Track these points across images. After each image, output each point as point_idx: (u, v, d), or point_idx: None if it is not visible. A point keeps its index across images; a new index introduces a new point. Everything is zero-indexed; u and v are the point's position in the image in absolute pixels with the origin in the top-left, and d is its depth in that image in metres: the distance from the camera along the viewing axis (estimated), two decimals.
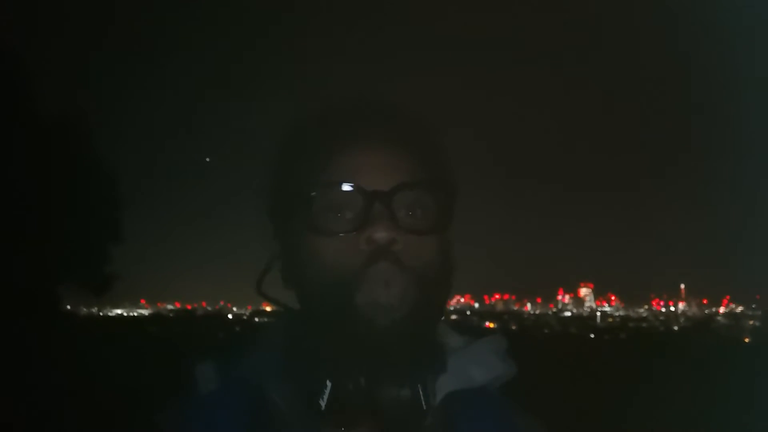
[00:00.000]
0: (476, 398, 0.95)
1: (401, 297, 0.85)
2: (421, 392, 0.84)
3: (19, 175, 15.38)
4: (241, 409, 0.91)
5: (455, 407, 0.93)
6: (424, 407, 0.84)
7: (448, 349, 0.96)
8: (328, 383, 0.84)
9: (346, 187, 0.89)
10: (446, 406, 0.92)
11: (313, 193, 0.90)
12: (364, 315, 0.85)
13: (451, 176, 0.98)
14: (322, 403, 0.84)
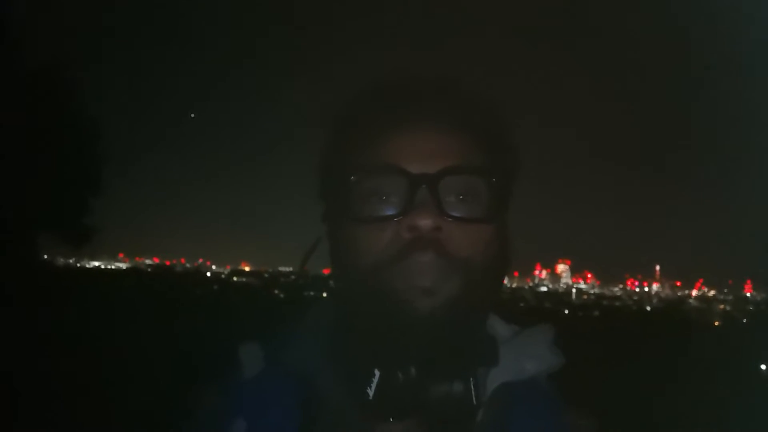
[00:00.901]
0: (528, 390, 0.93)
1: (444, 287, 0.82)
2: (471, 385, 0.81)
3: (1, 124, 15.13)
4: (287, 394, 0.90)
5: (507, 399, 0.91)
6: (474, 400, 0.82)
7: (498, 340, 0.91)
8: (377, 372, 0.81)
9: (391, 170, 0.85)
10: (498, 398, 0.90)
11: (353, 177, 0.86)
12: (407, 302, 0.82)
13: (508, 162, 0.93)
14: (370, 392, 0.81)
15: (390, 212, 0.84)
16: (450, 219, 0.84)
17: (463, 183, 0.86)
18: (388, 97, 0.91)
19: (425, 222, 0.82)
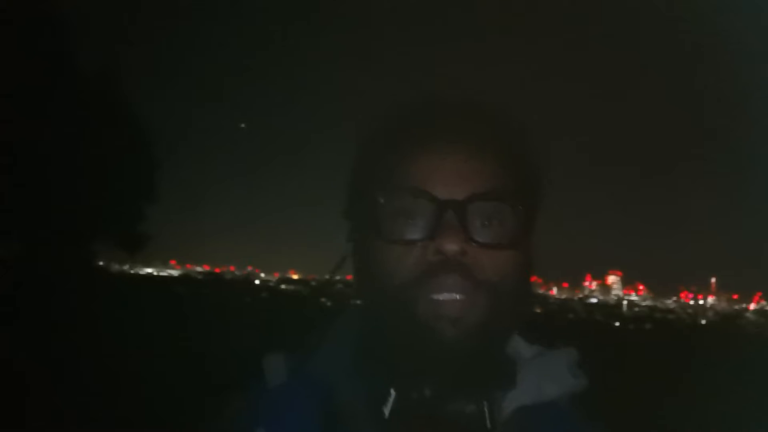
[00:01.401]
0: (547, 413, 0.92)
1: (467, 311, 0.83)
2: (486, 409, 0.82)
3: (58, 134, 15.64)
4: (306, 406, 0.90)
5: (525, 422, 0.90)
6: (489, 424, 0.82)
7: (518, 362, 0.93)
8: (392, 392, 0.83)
9: (419, 193, 0.85)
10: (515, 421, 0.89)
11: (382, 199, 0.87)
12: (429, 326, 0.82)
13: (534, 190, 0.93)
14: (386, 411, 0.82)
15: (417, 235, 0.85)
16: (475, 244, 0.84)
17: (489, 209, 0.86)
18: (419, 122, 0.92)
19: (451, 246, 0.83)
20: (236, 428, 0.91)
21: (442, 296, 0.82)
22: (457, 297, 0.82)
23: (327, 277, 1.02)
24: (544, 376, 0.93)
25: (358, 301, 0.95)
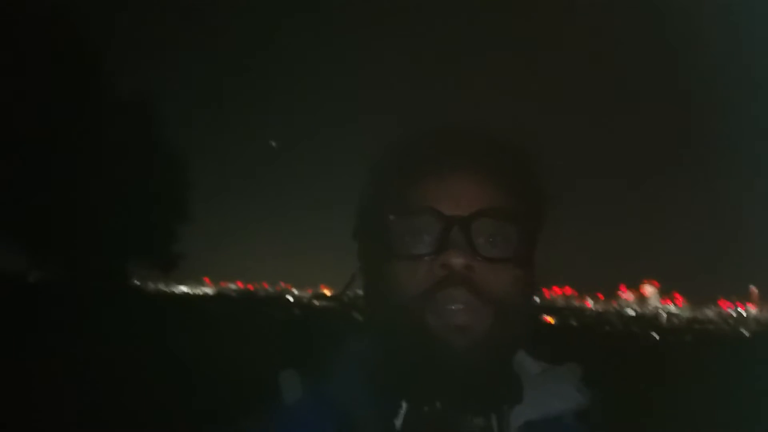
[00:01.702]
0: (553, 429, 0.94)
1: (475, 322, 0.86)
2: (494, 421, 0.86)
3: (92, 157, 15.96)
4: (318, 422, 0.92)
5: None
6: None
7: (524, 378, 0.96)
8: (404, 404, 0.86)
9: (425, 211, 0.89)
10: None
11: (392, 217, 0.91)
12: (437, 339, 0.85)
13: (540, 206, 0.97)
14: (397, 424, 0.85)
15: (424, 251, 0.89)
16: (481, 259, 0.88)
17: (494, 225, 0.90)
18: (428, 145, 0.96)
19: (457, 261, 0.86)
20: None
21: (450, 308, 0.86)
22: (464, 308, 0.86)
23: (338, 294, 1.06)
24: (551, 392, 0.96)
25: (369, 317, 0.98)
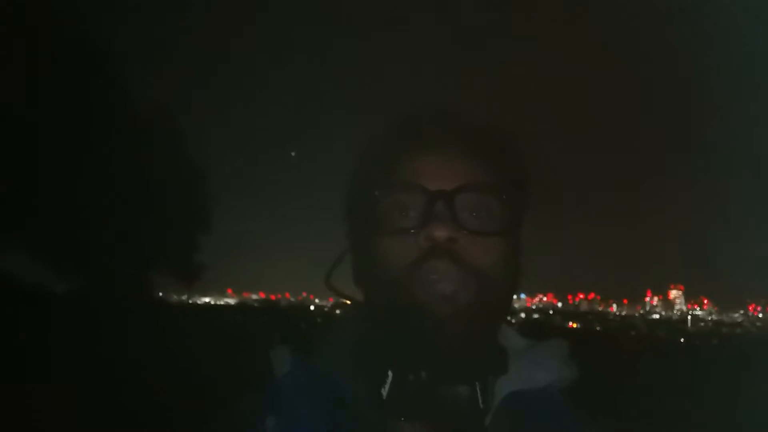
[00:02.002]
0: (538, 399, 0.96)
1: (458, 293, 0.88)
2: (478, 389, 0.87)
3: (114, 170, 16.14)
4: (310, 396, 0.94)
5: (517, 407, 0.94)
6: (481, 405, 0.87)
7: (511, 351, 0.98)
8: (390, 373, 0.87)
9: (410, 186, 0.92)
10: (508, 406, 0.94)
11: (377, 192, 0.94)
12: (422, 309, 0.87)
13: (520, 180, 0.99)
14: (384, 393, 0.87)
15: (409, 224, 0.92)
16: (465, 231, 0.90)
17: (476, 199, 0.93)
18: (409, 122, 1.00)
19: (441, 233, 0.89)
20: (247, 417, 0.95)
21: (434, 278, 0.88)
22: (448, 279, 0.88)
23: (327, 272, 1.06)
24: (537, 364, 0.99)
25: (357, 290, 1.01)
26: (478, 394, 0.87)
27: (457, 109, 1.02)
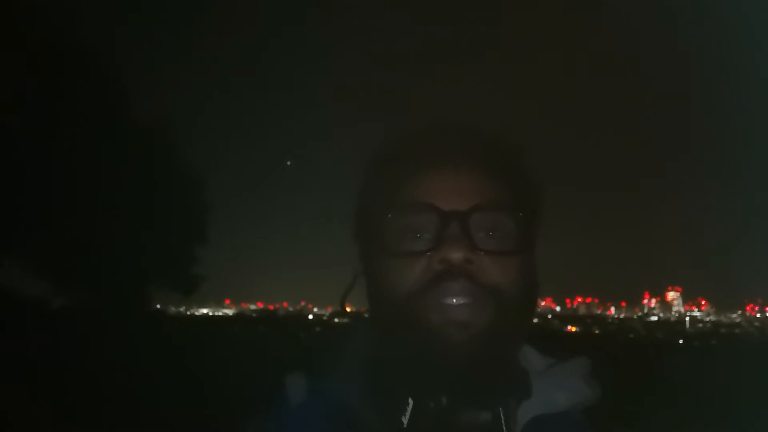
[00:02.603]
0: (560, 424, 0.93)
1: (475, 315, 0.85)
2: (502, 416, 0.84)
3: (110, 180, 16.11)
4: (325, 423, 0.92)
5: (540, 431, 0.91)
6: (505, 430, 0.84)
7: (531, 373, 0.93)
8: (410, 401, 0.84)
9: (423, 207, 0.89)
10: (531, 430, 0.91)
11: (390, 215, 0.91)
12: (439, 332, 0.85)
13: (534, 199, 0.97)
14: (404, 420, 0.84)
15: (423, 246, 0.88)
16: (480, 252, 0.87)
17: (491, 218, 0.90)
18: (422, 143, 0.96)
19: (456, 255, 0.85)
20: None
21: (450, 302, 0.85)
22: (465, 302, 0.85)
23: (341, 298, 1.03)
24: (558, 387, 0.95)
25: (372, 316, 0.98)
26: (502, 421, 0.84)
27: (468, 126, 1.00)
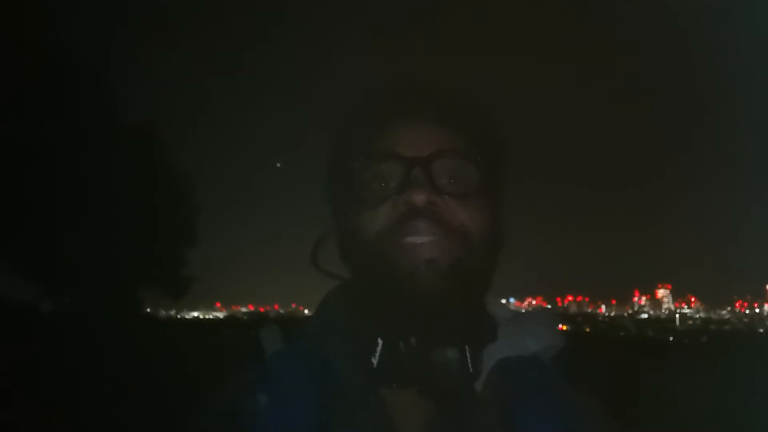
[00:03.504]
0: (528, 366, 0.96)
1: (440, 253, 0.88)
2: (468, 354, 0.87)
3: (101, 184, 16.05)
4: (301, 369, 0.94)
5: (508, 373, 0.94)
6: (471, 369, 0.88)
7: (499, 319, 0.97)
8: (379, 341, 0.88)
9: (387, 156, 0.94)
10: (499, 372, 0.93)
11: (356, 165, 0.95)
12: (407, 275, 0.87)
13: (494, 145, 1.00)
14: (374, 361, 0.88)
15: (390, 192, 0.92)
16: (443, 195, 0.91)
17: (452, 164, 0.94)
18: (385, 94, 1.01)
19: (419, 197, 0.89)
20: (238, 396, 0.93)
21: (415, 240, 0.88)
22: (429, 240, 0.88)
23: (311, 253, 1.05)
24: (526, 331, 0.98)
25: (342, 262, 1.00)
26: (468, 359, 0.87)
27: (429, 77, 1.04)
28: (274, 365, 0.95)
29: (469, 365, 0.87)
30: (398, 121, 0.96)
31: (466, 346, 0.88)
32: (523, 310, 1.04)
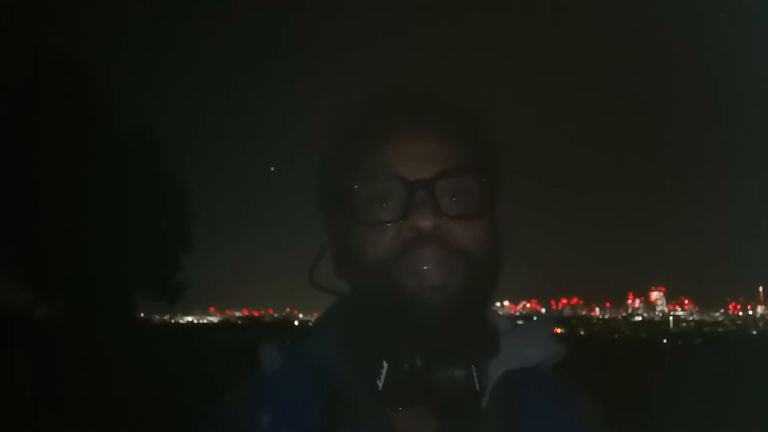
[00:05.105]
0: (531, 377, 0.95)
1: (449, 279, 0.87)
2: (474, 372, 0.87)
3: (94, 188, 15.99)
4: (304, 390, 0.92)
5: (512, 386, 0.93)
6: (478, 387, 0.87)
7: (500, 332, 0.97)
8: (385, 364, 0.87)
9: (388, 176, 0.91)
10: (503, 385, 0.93)
11: (356, 186, 0.92)
12: (412, 299, 0.87)
13: (495, 163, 0.99)
14: (380, 383, 0.87)
15: (392, 215, 0.90)
16: (447, 217, 0.89)
17: (456, 184, 0.92)
18: (384, 111, 0.98)
19: (425, 223, 0.87)
20: (239, 416, 0.92)
21: (423, 268, 0.87)
22: (436, 267, 0.87)
23: (309, 269, 1.04)
24: (526, 342, 0.98)
25: (344, 284, 1.00)
26: (475, 377, 0.87)
27: (427, 94, 1.01)
28: (275, 385, 0.94)
29: (476, 383, 0.87)
30: (398, 138, 0.94)
31: (473, 365, 0.87)
32: (520, 321, 1.04)
